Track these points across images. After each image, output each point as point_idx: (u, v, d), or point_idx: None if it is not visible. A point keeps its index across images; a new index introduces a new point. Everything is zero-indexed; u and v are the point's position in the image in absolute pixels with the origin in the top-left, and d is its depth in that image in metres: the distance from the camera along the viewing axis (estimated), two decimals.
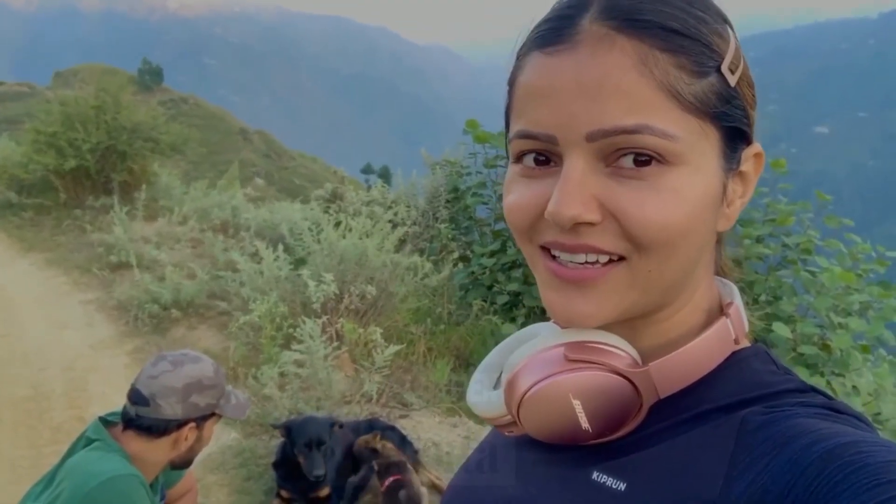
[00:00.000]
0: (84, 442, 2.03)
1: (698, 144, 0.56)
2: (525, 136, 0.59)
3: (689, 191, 0.56)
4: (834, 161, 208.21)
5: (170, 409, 2.02)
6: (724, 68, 0.57)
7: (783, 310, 4.43)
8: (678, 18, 0.56)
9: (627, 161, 0.55)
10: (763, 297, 4.59)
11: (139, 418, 2.01)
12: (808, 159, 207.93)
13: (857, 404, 4.18)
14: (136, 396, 2.03)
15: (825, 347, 4.38)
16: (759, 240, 4.71)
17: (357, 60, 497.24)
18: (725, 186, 0.60)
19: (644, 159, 0.55)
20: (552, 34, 0.58)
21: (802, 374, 3.99)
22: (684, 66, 0.55)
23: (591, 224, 0.56)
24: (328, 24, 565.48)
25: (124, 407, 2.07)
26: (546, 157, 0.59)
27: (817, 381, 4.07)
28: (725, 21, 0.60)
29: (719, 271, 0.70)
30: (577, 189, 0.56)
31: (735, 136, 0.59)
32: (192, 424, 2.08)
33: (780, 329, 4.04)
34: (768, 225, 4.77)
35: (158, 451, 2.05)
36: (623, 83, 0.54)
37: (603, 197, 0.56)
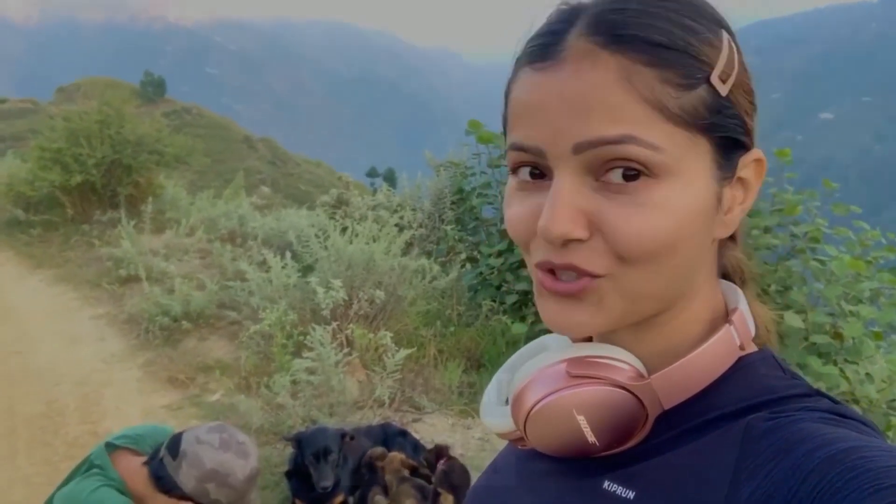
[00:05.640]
0: (87, 466, 2.01)
1: (687, 156, 0.56)
2: (517, 148, 0.60)
3: (677, 203, 0.56)
4: (840, 147, 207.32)
5: (185, 477, 1.97)
6: (714, 78, 0.56)
7: (794, 300, 4.41)
8: (664, 31, 0.55)
9: (615, 175, 0.56)
10: (773, 288, 4.57)
11: (161, 465, 1.99)
12: (813, 146, 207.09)
13: (871, 391, 4.17)
14: (173, 446, 2.00)
15: (837, 336, 4.36)
16: (766, 230, 4.69)
17: (358, 64, 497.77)
18: (720, 195, 0.59)
19: (632, 174, 0.55)
20: (541, 50, 0.59)
21: (815, 364, 4.00)
22: (670, 80, 0.55)
23: (580, 240, 0.57)
24: (328, 28, 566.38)
25: (157, 446, 2.05)
26: (540, 171, 0.60)
27: (830, 370, 4.05)
28: (722, 26, 0.59)
29: (736, 271, 0.70)
30: (566, 205, 0.56)
31: (729, 146, 0.59)
32: None
33: (792, 319, 4.03)
34: (776, 215, 4.74)
35: (157, 500, 2.01)
36: (607, 98, 0.54)
37: (591, 212, 0.57)
